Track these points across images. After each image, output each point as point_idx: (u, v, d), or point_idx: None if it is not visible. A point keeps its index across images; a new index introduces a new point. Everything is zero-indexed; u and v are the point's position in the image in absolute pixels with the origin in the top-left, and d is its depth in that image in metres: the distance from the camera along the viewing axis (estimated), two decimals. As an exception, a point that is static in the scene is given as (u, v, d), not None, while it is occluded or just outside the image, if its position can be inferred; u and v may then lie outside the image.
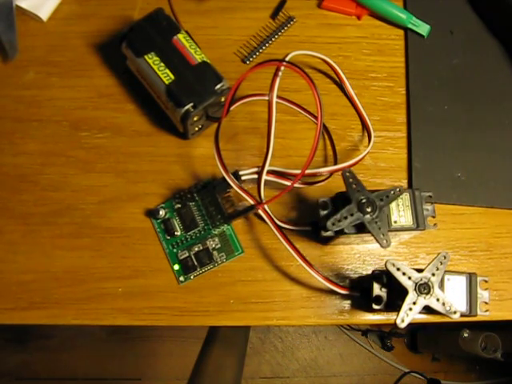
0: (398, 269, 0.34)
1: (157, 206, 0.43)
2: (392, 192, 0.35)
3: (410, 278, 0.34)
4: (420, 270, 0.34)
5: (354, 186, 0.35)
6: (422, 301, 0.34)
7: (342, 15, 0.49)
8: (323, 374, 1.10)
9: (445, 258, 0.34)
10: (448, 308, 0.34)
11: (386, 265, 0.34)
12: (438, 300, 0.34)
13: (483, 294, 0.38)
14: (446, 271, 0.38)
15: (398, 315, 0.33)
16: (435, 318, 0.41)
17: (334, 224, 0.35)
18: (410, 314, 0.33)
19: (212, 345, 0.65)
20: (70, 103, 0.46)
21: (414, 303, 0.34)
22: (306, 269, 0.38)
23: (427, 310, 0.34)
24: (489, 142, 0.46)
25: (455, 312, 0.34)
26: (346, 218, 0.35)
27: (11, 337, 1.07)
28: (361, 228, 0.36)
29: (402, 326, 0.33)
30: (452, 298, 0.38)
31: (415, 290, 0.34)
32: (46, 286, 0.42)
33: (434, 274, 0.34)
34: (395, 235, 0.39)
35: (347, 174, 0.35)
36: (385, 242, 0.34)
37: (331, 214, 0.38)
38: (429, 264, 0.34)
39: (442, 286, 0.38)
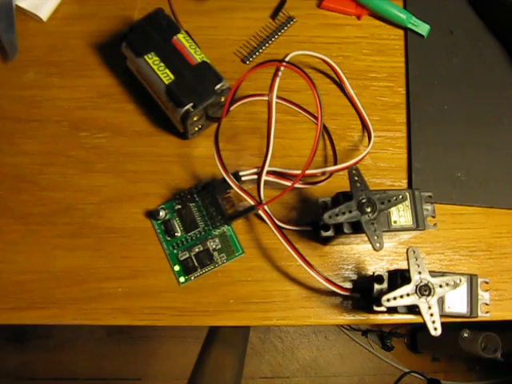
0: (395, 298, 0.34)
1: (157, 206, 0.43)
2: (394, 198, 0.35)
3: (408, 294, 0.34)
4: (407, 279, 0.35)
5: (358, 184, 0.35)
6: (432, 300, 0.34)
7: (342, 15, 0.49)
8: (323, 374, 1.10)
9: (414, 252, 0.34)
10: (452, 283, 0.34)
11: (384, 305, 0.34)
12: (441, 286, 0.34)
13: (484, 296, 0.38)
14: (446, 272, 0.38)
15: (428, 328, 0.33)
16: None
17: (330, 217, 0.34)
18: (435, 319, 0.33)
19: (212, 345, 0.65)
20: (70, 103, 0.46)
21: (430, 308, 0.33)
22: (306, 269, 0.38)
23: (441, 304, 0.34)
24: (489, 141, 0.46)
25: (460, 280, 0.34)
26: (343, 213, 0.34)
27: (11, 337, 1.07)
28: (357, 227, 0.36)
29: (438, 333, 0.33)
30: (453, 300, 0.38)
31: (420, 298, 0.34)
32: (45, 285, 0.41)
33: (420, 272, 0.34)
34: (395, 235, 0.39)
35: (353, 171, 0.35)
36: (378, 244, 0.34)
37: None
38: (409, 269, 0.34)
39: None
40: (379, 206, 0.35)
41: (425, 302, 0.34)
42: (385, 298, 0.34)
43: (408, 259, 0.34)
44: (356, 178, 0.35)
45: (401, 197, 0.35)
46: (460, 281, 0.34)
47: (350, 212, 0.34)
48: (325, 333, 1.12)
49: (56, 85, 0.46)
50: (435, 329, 0.33)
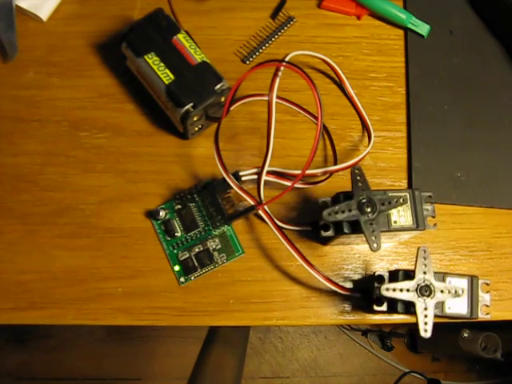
0: (394, 289, 0.34)
1: (157, 206, 0.43)
2: (395, 200, 0.35)
3: (408, 290, 0.34)
4: (410, 272, 0.34)
5: (359, 184, 0.35)
6: (430, 302, 0.34)
7: (342, 15, 0.49)
8: (323, 374, 1.10)
9: (425, 252, 0.34)
10: (454, 291, 0.34)
11: (381, 293, 0.34)
12: (442, 292, 0.34)
13: (484, 297, 0.38)
14: (447, 273, 0.38)
15: (419, 328, 0.33)
16: (436, 319, 0.41)
17: (329, 214, 0.34)
18: (427, 321, 0.33)
19: (212, 345, 0.65)
20: (70, 103, 0.46)
21: (426, 309, 0.34)
22: (307, 269, 0.38)
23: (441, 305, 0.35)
24: (489, 141, 0.46)
25: (463, 290, 0.34)
26: (343, 211, 0.34)
27: (11, 337, 1.07)
28: (355, 227, 0.36)
29: (428, 335, 0.33)
30: (453, 301, 0.38)
31: (419, 297, 0.34)
32: (45, 285, 0.41)
33: (425, 272, 0.34)
34: (395, 235, 0.39)
35: (356, 170, 0.35)
36: (375, 245, 0.34)
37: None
38: (415, 266, 0.34)
39: (443, 279, 0.38)
40: (379, 207, 0.34)
41: (422, 301, 0.34)
42: (385, 286, 0.34)
43: (417, 257, 0.34)
44: (358, 178, 0.35)
45: (401, 200, 0.35)
46: (462, 292, 0.34)
47: (350, 211, 0.34)
48: (325, 333, 1.12)
49: (56, 85, 0.46)
50: (425, 330, 0.33)
